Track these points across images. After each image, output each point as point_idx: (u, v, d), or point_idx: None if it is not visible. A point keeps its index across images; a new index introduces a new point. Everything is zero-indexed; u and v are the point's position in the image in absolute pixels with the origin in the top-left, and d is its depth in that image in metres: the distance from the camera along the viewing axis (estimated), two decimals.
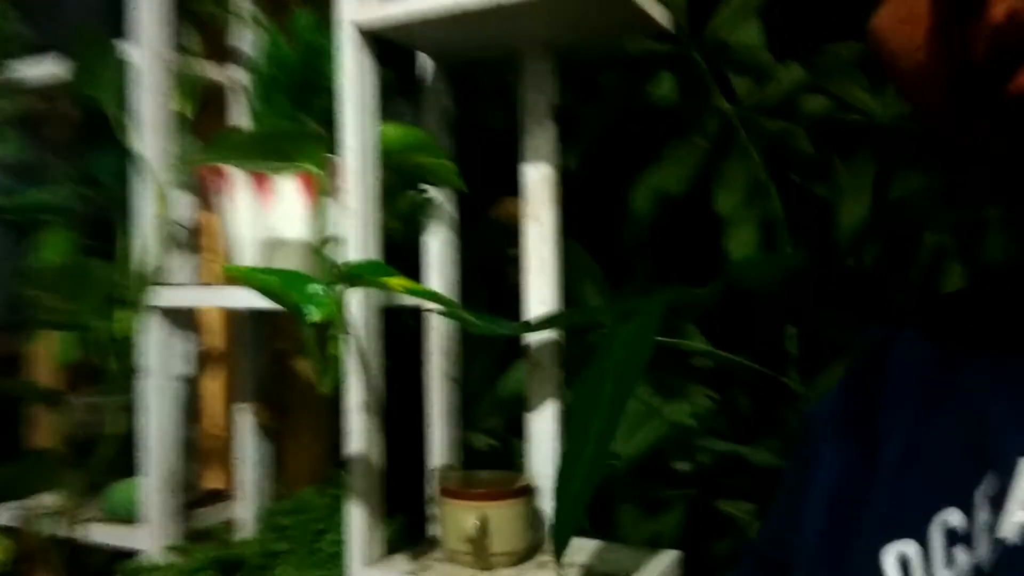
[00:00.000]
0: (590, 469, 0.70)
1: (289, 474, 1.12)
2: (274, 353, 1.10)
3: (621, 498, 1.16)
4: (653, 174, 1.32)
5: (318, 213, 0.89)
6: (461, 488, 0.83)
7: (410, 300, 0.92)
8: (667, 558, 0.86)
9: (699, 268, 1.26)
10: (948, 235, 1.09)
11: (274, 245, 0.90)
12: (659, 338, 1.04)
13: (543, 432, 0.91)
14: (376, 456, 0.84)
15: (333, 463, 1.15)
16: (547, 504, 0.89)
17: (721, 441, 1.19)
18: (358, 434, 0.83)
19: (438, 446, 0.95)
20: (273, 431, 1.09)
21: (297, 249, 0.89)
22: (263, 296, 0.64)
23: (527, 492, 0.84)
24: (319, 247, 0.82)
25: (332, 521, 0.93)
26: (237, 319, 1.08)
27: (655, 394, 1.18)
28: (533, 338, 0.91)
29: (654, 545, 1.13)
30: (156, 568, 0.90)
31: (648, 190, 1.33)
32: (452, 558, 0.84)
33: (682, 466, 1.15)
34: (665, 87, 1.22)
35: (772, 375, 1.10)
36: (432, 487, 0.93)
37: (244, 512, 1.05)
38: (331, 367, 0.67)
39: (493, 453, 1.27)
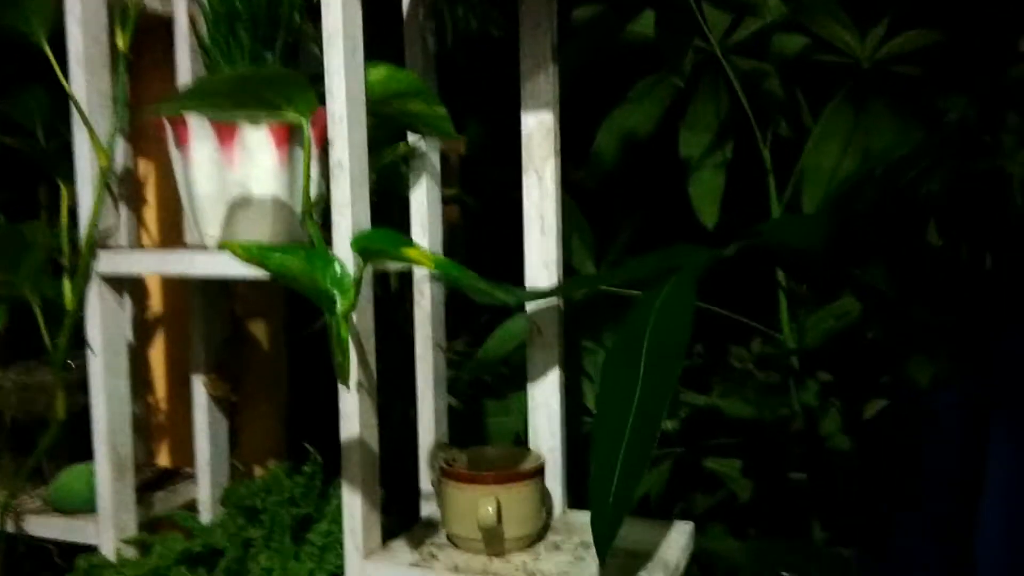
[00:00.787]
0: (633, 452, 0.65)
1: (246, 449, 1.04)
2: (226, 319, 1.00)
3: None
4: (620, 113, 1.25)
5: (291, 168, 0.80)
6: (471, 472, 0.77)
7: (397, 264, 0.84)
8: (684, 530, 0.82)
9: (668, 219, 1.21)
10: (935, 183, 1.07)
11: (240, 203, 0.79)
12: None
13: (546, 404, 0.85)
14: (372, 439, 0.77)
15: (292, 436, 1.08)
16: (555, 481, 0.85)
17: (699, 395, 1.17)
18: (353, 416, 0.75)
19: (428, 419, 0.88)
20: (229, 404, 0.99)
21: (267, 208, 0.80)
22: (279, 279, 0.55)
23: (540, 473, 0.78)
24: (305, 207, 0.73)
25: (318, 506, 0.86)
26: (185, 283, 0.97)
27: None
28: (534, 304, 0.84)
29: (641, 504, 1.11)
30: (123, 566, 0.81)
31: (614, 130, 1.27)
32: (460, 545, 0.78)
33: (665, 424, 1.12)
34: (646, 23, 1.15)
35: (760, 328, 1.07)
36: (430, 466, 0.86)
37: (203, 493, 0.96)
38: (347, 353, 0.59)
39: (456, 414, 1.22)
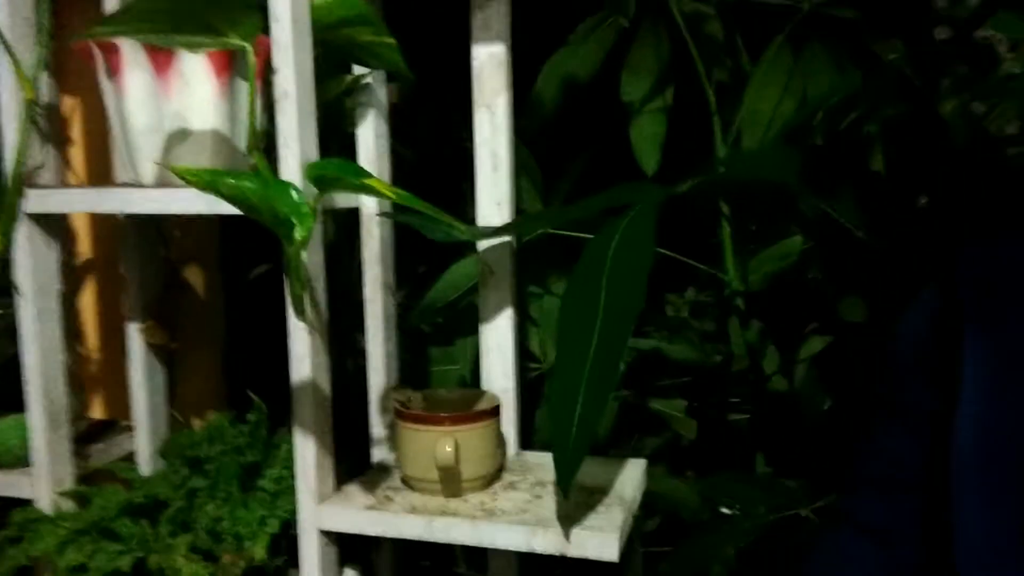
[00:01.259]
0: (594, 389, 0.64)
1: (184, 399, 1.00)
2: (160, 264, 0.96)
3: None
4: (561, 56, 1.24)
5: (231, 98, 0.76)
6: (428, 413, 0.76)
7: (345, 202, 0.81)
8: (638, 466, 0.83)
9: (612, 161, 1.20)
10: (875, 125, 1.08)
11: (178, 137, 0.75)
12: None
13: (499, 346, 0.84)
14: (324, 381, 0.75)
15: (232, 385, 1.04)
16: (508, 422, 0.84)
17: (640, 339, 1.17)
18: (304, 357, 0.73)
19: (378, 362, 0.86)
20: (167, 352, 0.95)
21: (206, 141, 0.76)
22: (235, 206, 0.52)
23: (497, 413, 0.77)
24: (251, 139, 0.69)
25: (264, 455, 0.83)
26: (116, 225, 0.92)
27: None
28: (486, 243, 0.83)
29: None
30: (61, 519, 0.78)
31: (555, 73, 1.25)
32: (416, 487, 0.77)
33: None
34: None
35: (704, 269, 1.08)
36: (384, 409, 0.84)
37: (141, 445, 0.92)
38: (304, 284, 0.56)
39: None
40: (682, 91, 1.20)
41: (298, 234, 0.52)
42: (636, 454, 1.14)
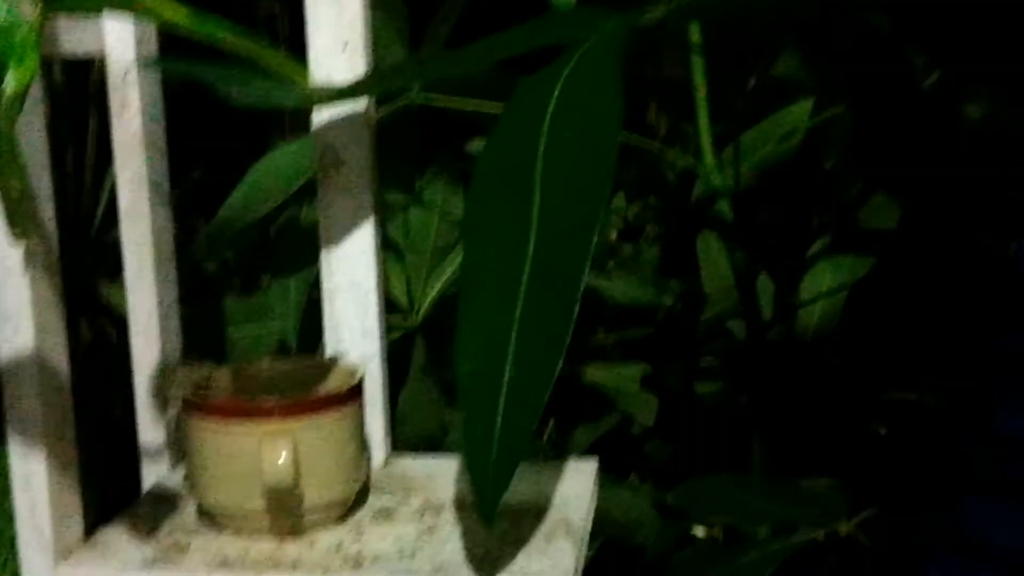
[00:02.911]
0: (532, 342, 0.57)
1: None
2: None
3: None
4: None
5: None
6: (244, 400, 0.68)
7: (75, 44, 0.72)
8: (585, 471, 0.79)
9: None
10: None
11: None
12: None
13: (355, 283, 0.77)
14: (59, 355, 0.66)
15: None
16: (375, 409, 0.77)
17: None
18: (22, 318, 0.64)
19: (146, 321, 0.77)
20: None
21: None
22: None
23: (358, 394, 0.70)
24: None
25: None
26: None
27: None
28: (327, 115, 0.75)
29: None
30: None
31: None
32: (226, 523, 0.69)
33: None
34: None
35: (673, 152, 1.03)
36: (161, 397, 0.76)
37: None
38: (22, 165, 0.47)
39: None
40: None
41: (12, 80, 0.42)
42: (560, 451, 1.11)
